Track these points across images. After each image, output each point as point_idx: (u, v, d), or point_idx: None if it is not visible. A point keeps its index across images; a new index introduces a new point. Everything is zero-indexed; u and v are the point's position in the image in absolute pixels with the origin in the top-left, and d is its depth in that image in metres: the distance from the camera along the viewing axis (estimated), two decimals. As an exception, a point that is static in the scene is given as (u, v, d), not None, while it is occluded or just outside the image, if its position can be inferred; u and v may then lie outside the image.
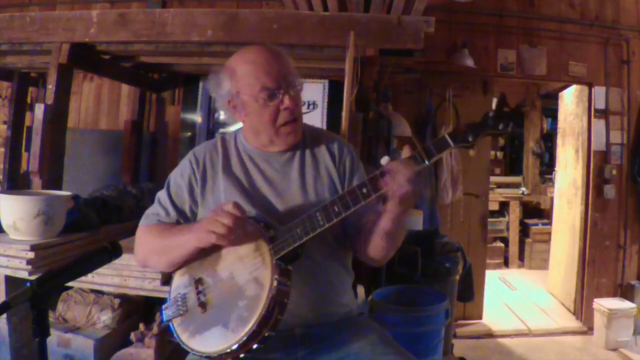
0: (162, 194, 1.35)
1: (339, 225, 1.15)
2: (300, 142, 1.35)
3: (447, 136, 1.08)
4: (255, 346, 1.08)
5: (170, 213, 1.31)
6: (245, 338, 1.07)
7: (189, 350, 1.17)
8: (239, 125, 1.40)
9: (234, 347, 1.08)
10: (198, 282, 1.22)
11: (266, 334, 1.08)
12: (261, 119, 1.26)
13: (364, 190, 1.11)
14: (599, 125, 3.72)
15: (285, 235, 1.15)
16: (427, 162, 1.09)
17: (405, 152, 1.09)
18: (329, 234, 1.16)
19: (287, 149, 1.32)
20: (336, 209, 1.12)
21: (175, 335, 1.21)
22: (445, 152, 1.09)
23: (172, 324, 1.23)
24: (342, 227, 1.28)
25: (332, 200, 1.14)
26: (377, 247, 1.24)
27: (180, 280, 1.27)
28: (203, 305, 1.18)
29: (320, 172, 1.33)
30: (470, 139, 1.07)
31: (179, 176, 1.35)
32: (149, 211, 1.35)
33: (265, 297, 1.08)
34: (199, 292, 1.20)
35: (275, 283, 1.09)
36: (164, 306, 1.27)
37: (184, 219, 1.32)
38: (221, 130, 3.31)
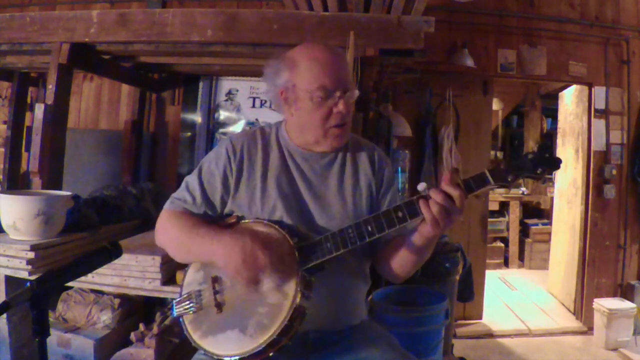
0: (191, 179, 1.31)
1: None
2: (343, 147, 1.33)
3: (487, 173, 1.07)
4: (271, 354, 1.07)
5: (197, 201, 1.28)
6: (264, 346, 1.06)
7: (200, 349, 1.15)
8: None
9: (251, 353, 1.07)
10: (215, 280, 1.20)
11: (284, 343, 1.08)
12: (312, 117, 1.23)
13: (400, 214, 1.10)
14: (599, 125, 3.72)
15: (314, 247, 1.14)
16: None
17: (446, 179, 1.07)
18: (358, 247, 1.16)
19: (330, 152, 1.31)
20: (369, 229, 1.12)
21: (186, 332, 1.20)
22: (484, 189, 1.09)
23: (183, 321, 1.21)
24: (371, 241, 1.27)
25: (366, 219, 1.13)
26: (402, 263, 1.24)
27: (194, 275, 1.26)
28: (219, 305, 1.17)
29: (360, 180, 1.31)
30: (509, 179, 1.07)
31: (214, 164, 1.29)
32: (175, 195, 1.32)
33: (288, 307, 1.08)
34: (215, 292, 1.19)
35: (299, 294, 1.09)
36: (175, 300, 1.25)
37: (212, 210, 1.29)
38: (221, 130, 3.31)
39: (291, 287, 1.11)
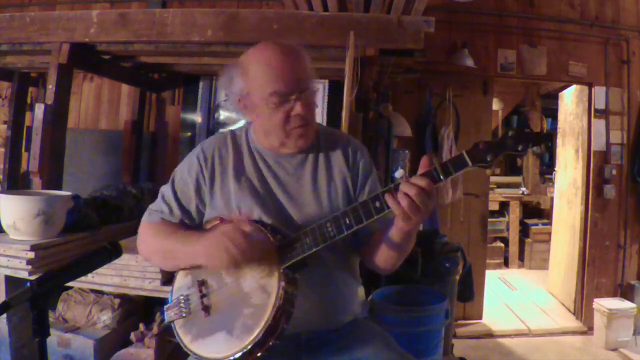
0: (166, 190, 1.31)
1: (350, 234, 1.12)
2: (314, 144, 1.30)
3: (465, 155, 1.03)
4: (259, 354, 1.07)
5: (174, 212, 1.28)
6: (250, 346, 1.05)
7: (191, 353, 1.15)
8: (239, 125, 1.38)
9: (238, 354, 1.06)
10: (202, 284, 1.20)
11: (271, 343, 1.07)
12: (271, 122, 1.21)
13: (377, 204, 1.07)
14: (599, 125, 3.72)
15: (294, 244, 1.13)
16: (442, 178, 1.04)
17: (423, 165, 1.04)
18: (340, 241, 1.14)
19: (299, 152, 1.29)
20: (347, 221, 1.09)
21: (177, 337, 1.20)
22: (462, 170, 1.04)
23: (174, 326, 1.21)
24: (353, 234, 1.22)
25: (344, 211, 1.11)
26: (384, 257, 1.22)
27: (183, 280, 1.25)
28: (206, 309, 1.17)
29: (334, 176, 1.29)
30: (488, 159, 1.02)
31: (186, 172, 1.30)
32: (152, 207, 1.32)
33: (271, 306, 1.07)
34: (202, 295, 1.18)
35: (282, 292, 1.07)
36: (165, 307, 1.25)
37: (189, 218, 1.29)
38: (221, 130, 3.31)
39: (274, 286, 1.10)
